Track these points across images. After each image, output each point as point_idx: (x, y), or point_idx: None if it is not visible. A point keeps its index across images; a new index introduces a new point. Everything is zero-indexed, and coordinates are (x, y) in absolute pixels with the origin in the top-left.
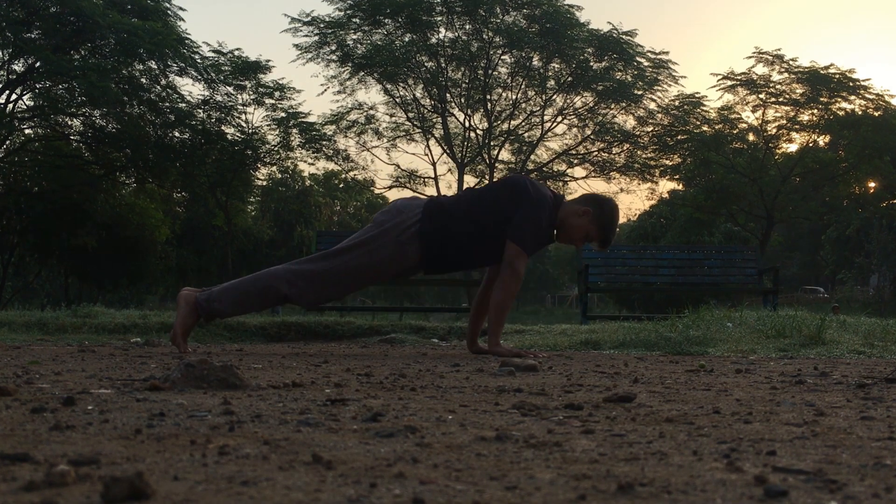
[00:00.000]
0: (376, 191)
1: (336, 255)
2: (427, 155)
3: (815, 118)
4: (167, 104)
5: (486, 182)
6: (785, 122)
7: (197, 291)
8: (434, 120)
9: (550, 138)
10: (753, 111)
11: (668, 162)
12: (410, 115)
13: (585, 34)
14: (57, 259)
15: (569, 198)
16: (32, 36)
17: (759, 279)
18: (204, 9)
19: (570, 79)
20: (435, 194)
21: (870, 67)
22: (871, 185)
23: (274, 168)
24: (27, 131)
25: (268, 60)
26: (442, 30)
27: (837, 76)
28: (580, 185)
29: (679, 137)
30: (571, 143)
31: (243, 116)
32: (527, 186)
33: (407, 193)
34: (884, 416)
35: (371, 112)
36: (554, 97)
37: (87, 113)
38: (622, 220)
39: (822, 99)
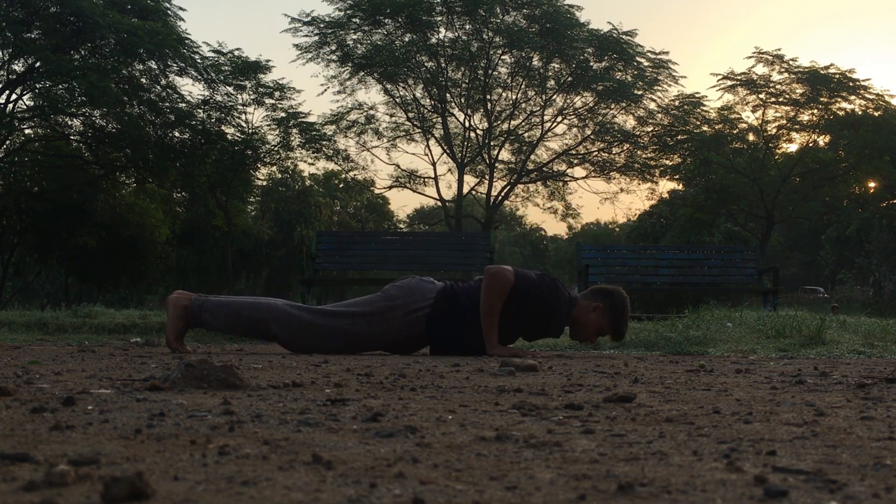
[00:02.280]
0: (376, 191)
1: (338, 316)
2: (427, 155)
3: (815, 118)
4: (167, 104)
5: (487, 182)
6: (785, 122)
7: (189, 296)
8: (434, 120)
9: (550, 138)
10: (753, 111)
11: (668, 162)
12: (410, 115)
13: (585, 34)
14: (57, 259)
15: (573, 200)
16: (32, 36)
17: (759, 279)
18: (204, 9)
19: (570, 79)
20: (441, 204)
21: (870, 67)
22: (871, 184)
23: (274, 168)
24: (27, 131)
25: (268, 60)
26: (442, 30)
27: (837, 76)
28: (580, 184)
29: (679, 137)
30: (571, 143)
31: (243, 116)
32: (538, 282)
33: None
34: (884, 416)
35: (371, 112)
36: (554, 97)
37: (87, 113)
38: (622, 220)
39: (822, 99)
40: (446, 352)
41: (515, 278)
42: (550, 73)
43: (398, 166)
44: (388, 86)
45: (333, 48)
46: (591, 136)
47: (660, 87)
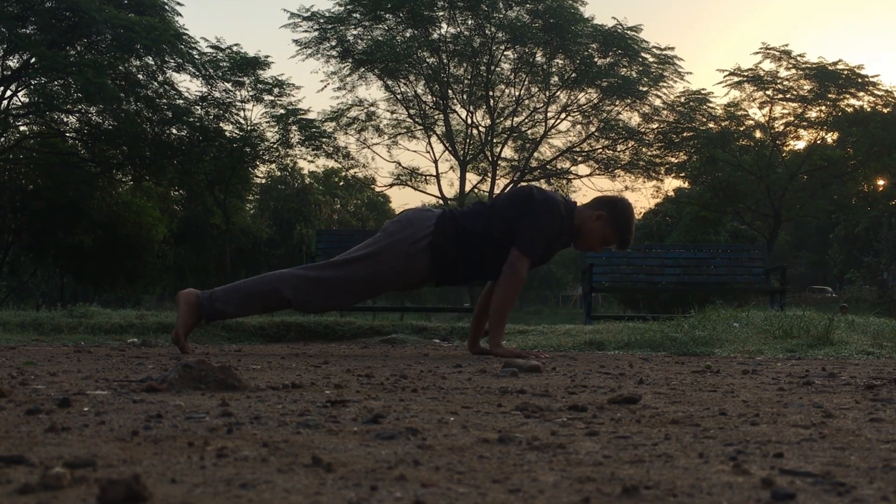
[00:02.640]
0: (377, 189)
1: (344, 265)
2: (429, 152)
3: (823, 115)
4: (164, 101)
5: (489, 180)
6: (792, 118)
7: (197, 292)
8: (436, 117)
9: (554, 135)
10: (760, 108)
11: (673, 159)
12: (412, 111)
13: (589, 29)
14: (52, 258)
15: (577, 198)
16: (27, 31)
17: (767, 279)
18: (202, 3)
19: (573, 75)
20: (442, 202)
21: (879, 63)
22: (881, 182)
23: (273, 166)
24: (22, 128)
25: (267, 56)
26: (444, 25)
27: (846, 72)
28: (584, 182)
29: (685, 134)
30: (575, 140)
31: (242, 113)
32: (532, 194)
33: (408, 192)
34: (893, 418)
35: (372, 109)
36: (557, 93)
37: (82, 109)
38: None
39: (830, 95)
40: (453, 279)
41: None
42: (554, 70)
43: (399, 164)
44: (389, 82)
45: (333, 44)
46: (596, 133)
47: (665, 84)
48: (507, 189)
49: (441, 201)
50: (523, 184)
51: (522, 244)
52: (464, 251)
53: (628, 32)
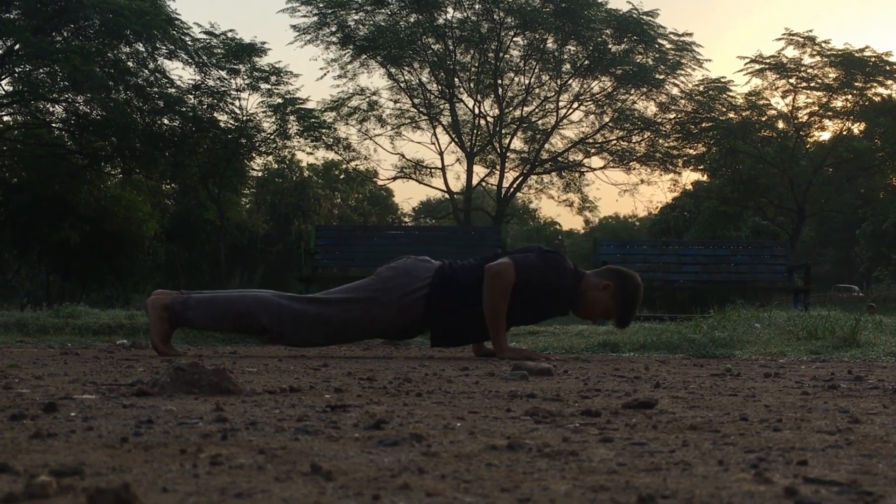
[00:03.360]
0: (379, 182)
1: (330, 303)
2: (434, 144)
3: (849, 104)
4: (155, 89)
5: (498, 173)
6: (817, 108)
7: (169, 294)
8: (441, 106)
9: (566, 126)
10: (783, 97)
11: (691, 151)
12: (416, 101)
13: (603, 14)
14: (38, 255)
15: (590, 192)
16: (11, 16)
17: (790, 277)
18: None
19: (586, 62)
20: (448, 196)
21: None
22: None
23: (270, 158)
24: (6, 118)
25: (263, 42)
26: (450, 10)
27: (873, 59)
28: (597, 175)
29: (703, 125)
30: (588, 130)
31: (237, 102)
32: (540, 249)
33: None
34: None
35: (374, 98)
36: (570, 82)
37: (69, 99)
38: (642, 214)
39: (856, 84)
40: (447, 337)
41: (515, 272)
42: (566, 57)
43: (403, 156)
44: (393, 70)
45: (334, 29)
46: (610, 124)
47: (683, 72)
48: (515, 192)
49: (447, 195)
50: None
51: (511, 256)
52: (458, 309)
53: (644, 17)
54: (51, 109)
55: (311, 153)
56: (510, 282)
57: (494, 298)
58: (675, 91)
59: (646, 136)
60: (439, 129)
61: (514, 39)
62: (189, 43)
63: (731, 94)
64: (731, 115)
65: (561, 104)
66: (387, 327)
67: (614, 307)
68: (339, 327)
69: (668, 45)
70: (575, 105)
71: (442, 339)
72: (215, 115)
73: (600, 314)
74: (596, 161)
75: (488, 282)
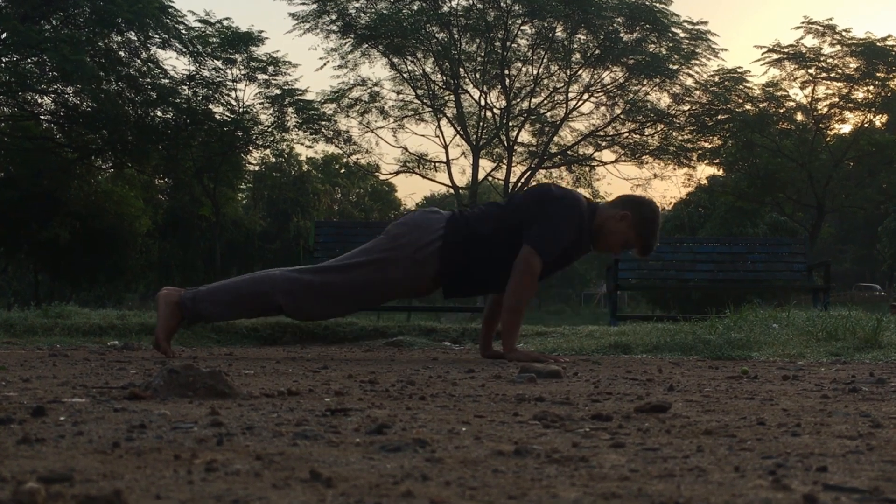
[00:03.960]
0: (381, 176)
1: (342, 270)
2: (438, 137)
3: (870, 95)
4: (148, 80)
5: (505, 167)
6: (837, 99)
7: (178, 291)
8: (446, 98)
9: (576, 118)
10: (802, 88)
11: (706, 144)
12: (419, 92)
13: (615, 2)
14: (26, 253)
15: (601, 187)
16: None
17: (809, 275)
18: None
19: (597, 52)
20: (453, 192)
21: None
22: None
23: (267, 151)
24: None
25: (260, 31)
26: None
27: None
28: (609, 170)
29: (719, 117)
30: (599, 123)
31: (233, 94)
32: (551, 192)
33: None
34: None
35: (376, 89)
36: (579, 72)
37: (58, 90)
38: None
39: (878, 74)
40: (461, 285)
41: (541, 258)
42: (576, 46)
43: (406, 149)
44: (395, 60)
45: (334, 17)
46: (621, 116)
47: (698, 61)
48: (524, 187)
49: (452, 190)
50: (542, 181)
51: (536, 241)
52: (475, 258)
53: (657, 5)
54: (39, 101)
55: (310, 146)
56: (537, 273)
57: (519, 296)
58: (689, 82)
59: (659, 129)
60: (444, 122)
61: (522, 28)
62: (183, 32)
63: (747, 84)
64: (748, 106)
65: (570, 95)
66: (404, 286)
67: (635, 236)
68: (354, 294)
69: (683, 34)
70: (585, 96)
71: (455, 289)
72: (210, 106)
73: (621, 246)
74: (607, 155)
75: (517, 278)
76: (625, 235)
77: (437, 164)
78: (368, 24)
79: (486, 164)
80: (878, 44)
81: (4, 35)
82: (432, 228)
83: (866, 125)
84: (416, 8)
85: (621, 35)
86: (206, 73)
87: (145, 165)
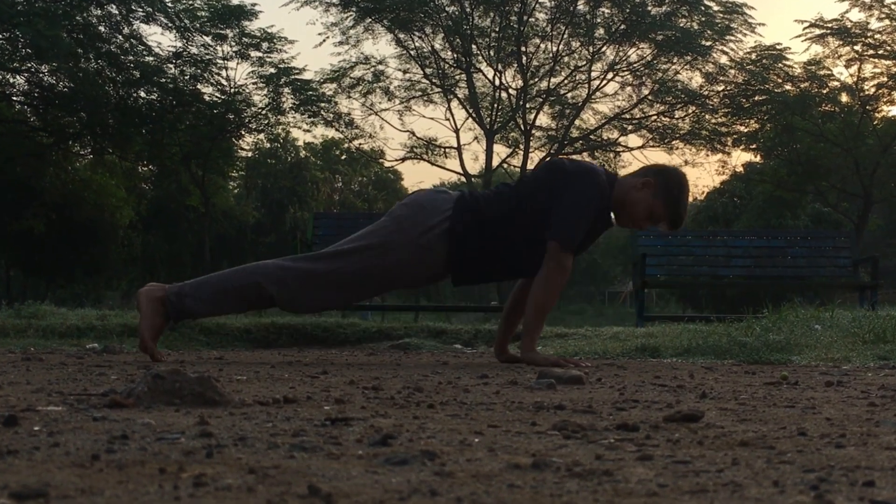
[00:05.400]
0: (386, 163)
1: (340, 256)
2: (448, 120)
3: None
4: (131, 58)
5: (521, 153)
6: (886, 79)
7: (163, 287)
8: (457, 77)
9: (599, 99)
10: (847, 66)
11: (742, 128)
12: (428, 71)
13: None
14: None
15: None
16: None
17: (855, 271)
18: None
19: (622, 27)
20: (465, 179)
21: None
22: None
23: (261, 136)
24: None
25: (253, 4)
26: None
27: None
28: (635, 156)
29: (756, 98)
30: (625, 105)
31: (223, 73)
32: (565, 168)
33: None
34: None
35: (380, 68)
36: (603, 49)
37: (32, 68)
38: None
39: None
40: (470, 273)
41: (571, 254)
42: (599, 20)
43: (413, 133)
44: (401, 35)
45: None
46: (649, 97)
47: (733, 37)
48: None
49: (463, 178)
50: (556, 158)
51: (561, 233)
52: (486, 242)
53: None
54: (11, 81)
55: (308, 131)
56: (567, 275)
57: (548, 294)
58: (723, 60)
59: (690, 112)
60: (454, 104)
61: (540, 1)
62: (169, 5)
63: (787, 63)
64: (788, 87)
65: (593, 75)
66: (408, 273)
67: (661, 207)
68: (354, 282)
69: (716, 8)
70: (609, 76)
71: (464, 277)
72: (199, 87)
73: (645, 218)
74: (633, 140)
75: (548, 273)
76: (649, 205)
77: (447, 150)
78: None
79: (500, 150)
80: None
81: None
82: (439, 210)
83: None
84: None
85: (649, 8)
86: (193, 51)
87: (127, 151)
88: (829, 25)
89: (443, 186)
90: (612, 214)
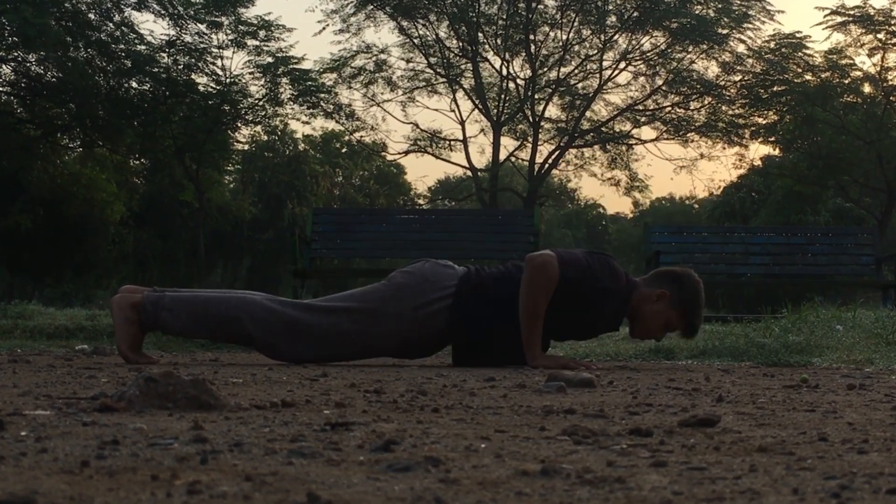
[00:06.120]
0: (389, 157)
1: (332, 312)
2: (454, 111)
3: None
4: (122, 46)
5: (530, 146)
6: None
7: (140, 291)
8: (462, 67)
9: (611, 90)
10: (870, 55)
11: (760, 120)
12: (432, 60)
13: None
14: None
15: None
16: None
17: (878, 269)
18: None
19: (635, 14)
20: (471, 173)
21: None
22: None
23: (258, 128)
24: None
25: None
26: None
27: None
28: (648, 148)
29: (775, 89)
30: (638, 95)
31: (219, 62)
32: (591, 254)
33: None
34: None
35: (382, 57)
36: (615, 38)
37: (19, 57)
38: (702, 194)
39: None
40: (474, 359)
41: (560, 266)
42: (611, 7)
43: (416, 126)
44: (404, 23)
45: None
46: (663, 88)
47: (751, 25)
48: (551, 168)
49: (469, 172)
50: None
51: (552, 249)
52: (490, 323)
53: None
54: None
55: (307, 123)
56: (554, 277)
57: (534, 295)
58: (741, 48)
59: (706, 103)
60: (460, 94)
61: None
62: None
63: (807, 52)
64: (808, 76)
65: (605, 64)
66: (397, 344)
67: (677, 318)
68: (340, 342)
69: None
70: (622, 65)
71: (466, 358)
72: (193, 76)
73: (661, 329)
74: (647, 132)
75: (530, 273)
76: (665, 317)
77: (452, 143)
78: None
79: (508, 143)
80: None
81: None
82: (442, 284)
83: None
84: None
85: None
86: (187, 39)
87: (118, 144)
88: (852, 13)
89: (449, 261)
90: (627, 322)
